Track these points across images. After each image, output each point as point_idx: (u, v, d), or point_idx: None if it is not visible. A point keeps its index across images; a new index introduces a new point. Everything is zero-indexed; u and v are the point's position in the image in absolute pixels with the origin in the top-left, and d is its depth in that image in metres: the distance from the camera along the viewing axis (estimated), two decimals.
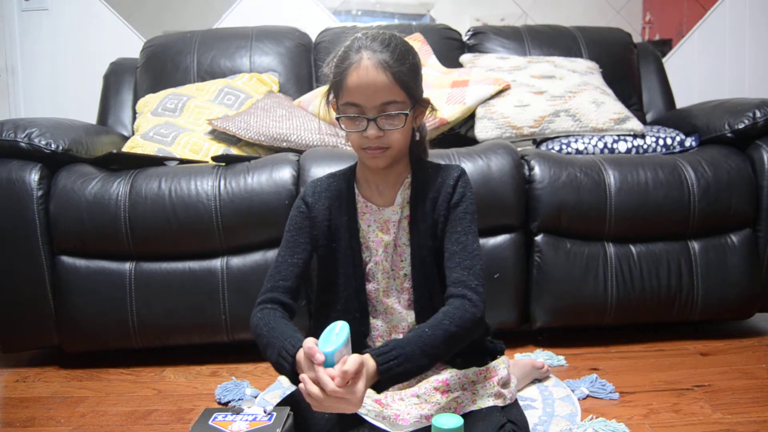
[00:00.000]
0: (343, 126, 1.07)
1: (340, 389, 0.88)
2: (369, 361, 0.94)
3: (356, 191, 1.16)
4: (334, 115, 1.09)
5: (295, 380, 0.95)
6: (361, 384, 0.90)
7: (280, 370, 1.00)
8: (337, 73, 1.05)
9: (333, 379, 0.88)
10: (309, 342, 0.91)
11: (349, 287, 1.14)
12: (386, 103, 1.03)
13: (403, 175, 1.15)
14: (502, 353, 1.21)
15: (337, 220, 1.14)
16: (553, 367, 1.56)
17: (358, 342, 1.13)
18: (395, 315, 1.15)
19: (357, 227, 1.14)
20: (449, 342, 1.00)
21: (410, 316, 1.15)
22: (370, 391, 1.10)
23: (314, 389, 0.88)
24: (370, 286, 1.16)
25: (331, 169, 1.25)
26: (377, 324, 1.17)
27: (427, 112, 1.14)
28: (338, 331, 0.92)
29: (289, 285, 1.11)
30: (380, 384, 0.95)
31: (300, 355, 0.94)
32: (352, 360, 0.90)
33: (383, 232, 1.13)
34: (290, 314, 1.11)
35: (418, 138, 1.15)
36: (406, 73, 1.03)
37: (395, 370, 0.94)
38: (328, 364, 0.90)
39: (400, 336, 1.13)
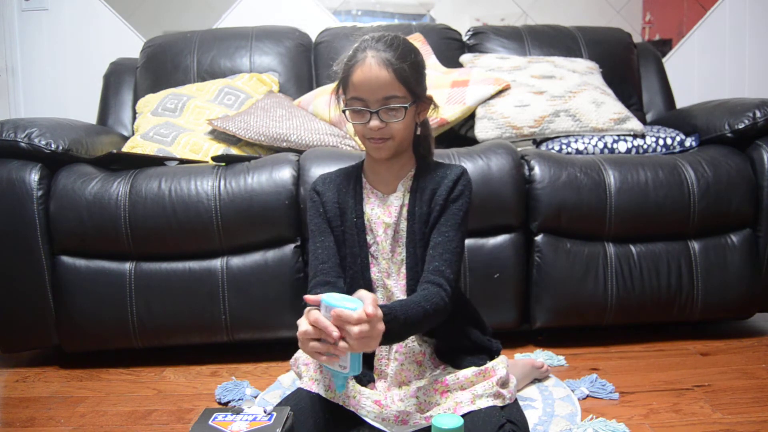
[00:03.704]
0: (348, 118, 1.15)
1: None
2: None
3: (363, 179, 1.23)
4: (342, 108, 1.16)
5: None
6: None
7: None
8: (345, 69, 1.14)
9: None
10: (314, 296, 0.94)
11: (354, 265, 1.18)
12: (388, 97, 1.10)
13: (406, 167, 1.21)
14: (498, 353, 1.22)
15: (344, 203, 1.20)
16: (553, 367, 1.56)
17: None
18: (393, 300, 1.18)
19: (362, 209, 1.20)
20: (425, 318, 1.04)
21: None
22: (369, 392, 1.11)
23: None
24: (373, 269, 1.19)
25: (331, 169, 1.28)
26: None
27: (430, 110, 1.21)
28: (348, 299, 0.93)
29: (330, 265, 1.16)
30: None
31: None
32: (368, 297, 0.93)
33: (386, 215, 1.19)
34: (340, 290, 1.13)
35: (420, 133, 1.22)
36: (407, 69, 1.10)
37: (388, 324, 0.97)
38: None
39: None
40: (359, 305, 0.90)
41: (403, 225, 1.18)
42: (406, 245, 1.17)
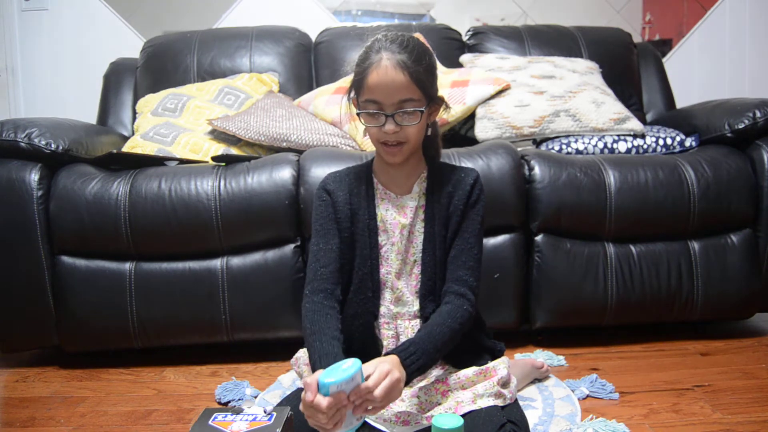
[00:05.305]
0: (363, 121, 1.14)
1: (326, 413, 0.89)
2: (394, 359, 0.99)
3: (374, 180, 1.21)
4: (353, 111, 1.16)
5: None
6: (392, 377, 0.94)
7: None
8: (359, 72, 1.12)
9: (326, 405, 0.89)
10: (309, 378, 0.92)
11: (363, 267, 1.17)
12: (403, 100, 1.09)
13: (418, 168, 1.21)
14: (501, 353, 1.22)
15: (356, 204, 1.19)
16: (553, 367, 1.56)
17: (367, 323, 1.17)
18: (402, 300, 1.18)
19: (375, 211, 1.19)
20: (453, 338, 1.09)
21: (416, 304, 1.17)
22: None
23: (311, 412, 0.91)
24: (383, 270, 1.18)
25: (332, 169, 1.27)
26: (384, 311, 1.18)
27: (441, 110, 1.20)
28: (346, 367, 0.91)
29: (330, 270, 1.15)
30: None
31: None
32: (379, 372, 0.94)
33: (401, 216, 1.18)
34: (335, 299, 1.14)
35: (430, 133, 1.21)
36: (422, 72, 1.10)
37: (416, 363, 1.01)
38: (323, 393, 0.89)
39: (405, 322, 1.17)
40: (355, 365, 0.91)
41: (419, 226, 1.18)
42: (423, 246, 1.17)
